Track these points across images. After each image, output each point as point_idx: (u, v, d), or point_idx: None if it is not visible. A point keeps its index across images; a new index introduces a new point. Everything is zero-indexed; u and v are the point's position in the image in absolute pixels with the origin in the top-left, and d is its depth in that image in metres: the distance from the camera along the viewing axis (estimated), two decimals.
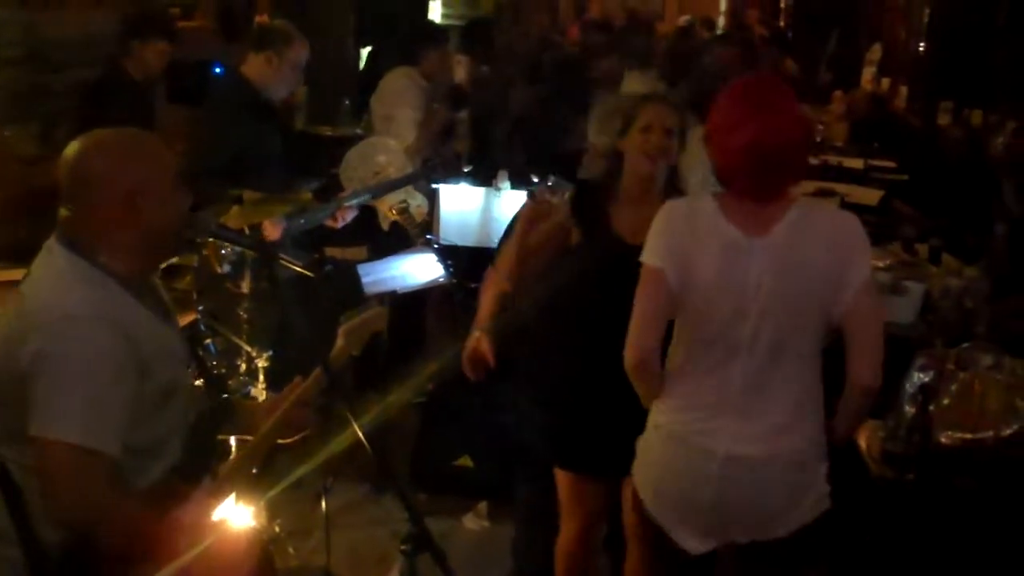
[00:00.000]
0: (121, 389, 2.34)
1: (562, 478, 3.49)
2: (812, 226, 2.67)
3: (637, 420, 2.91)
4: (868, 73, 9.68)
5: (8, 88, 4.93)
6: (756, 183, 2.67)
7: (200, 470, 2.58)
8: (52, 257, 2.45)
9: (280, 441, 2.83)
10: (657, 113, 3.26)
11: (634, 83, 4.96)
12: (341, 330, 2.83)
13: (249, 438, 2.80)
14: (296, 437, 2.91)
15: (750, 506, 2.71)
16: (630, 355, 2.77)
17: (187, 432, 2.58)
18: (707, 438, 2.71)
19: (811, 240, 2.65)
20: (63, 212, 2.46)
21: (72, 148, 2.45)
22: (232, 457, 2.87)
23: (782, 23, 10.89)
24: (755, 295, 2.65)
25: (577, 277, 3.26)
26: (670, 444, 2.81)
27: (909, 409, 3.25)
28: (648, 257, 2.75)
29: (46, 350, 2.28)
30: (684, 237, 2.73)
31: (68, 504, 2.27)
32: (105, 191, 2.41)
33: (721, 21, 11.25)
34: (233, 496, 2.94)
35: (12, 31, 4.91)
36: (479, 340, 3.80)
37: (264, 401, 2.93)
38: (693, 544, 2.79)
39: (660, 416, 2.84)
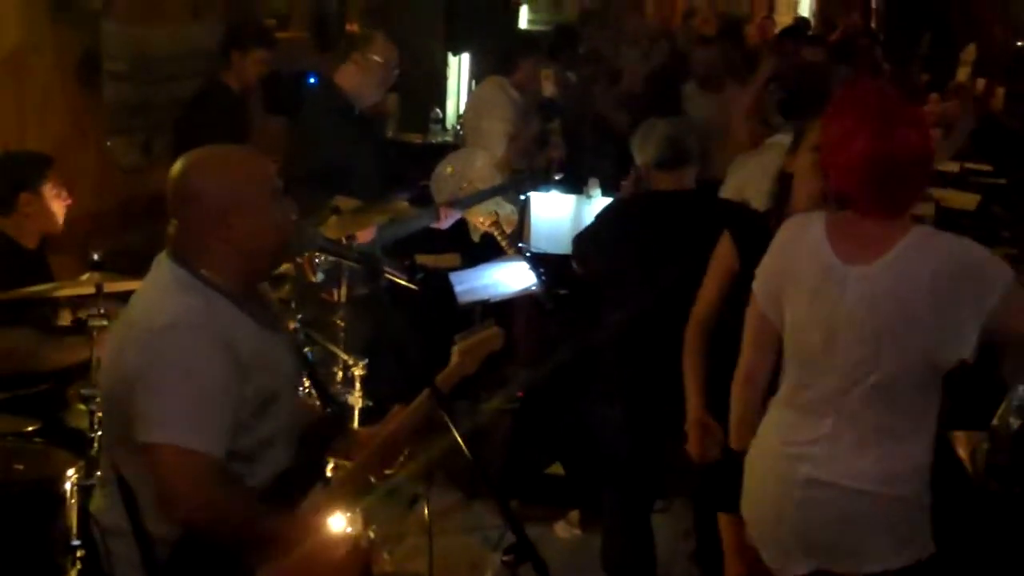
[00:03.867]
0: (220, 393, 2.38)
1: (726, 523, 3.31)
2: (925, 257, 2.52)
3: None
4: (963, 74, 9.48)
5: (112, 100, 5.05)
6: (875, 199, 2.56)
7: (310, 478, 2.61)
8: (160, 270, 2.53)
9: (373, 478, 2.86)
10: None
11: None
12: (456, 348, 2.85)
13: (346, 463, 2.82)
14: (394, 467, 2.93)
15: (833, 534, 2.64)
16: (736, 376, 2.82)
17: (296, 440, 2.62)
18: (793, 462, 2.66)
19: (919, 272, 2.51)
20: (170, 228, 2.54)
21: (176, 165, 2.52)
22: (337, 475, 2.88)
23: (873, 24, 10.71)
24: (847, 326, 2.56)
25: (737, 305, 3.07)
26: (759, 465, 2.78)
27: (1015, 421, 3.19)
28: (755, 280, 2.76)
29: (147, 358, 2.35)
30: (785, 260, 2.69)
31: (181, 506, 2.33)
32: (200, 208, 2.46)
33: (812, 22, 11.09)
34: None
35: (116, 45, 5.03)
36: None
37: (363, 431, 2.95)
38: (784, 567, 2.74)
39: (757, 437, 2.81)
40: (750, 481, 2.81)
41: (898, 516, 2.62)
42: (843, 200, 2.64)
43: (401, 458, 2.89)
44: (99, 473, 2.75)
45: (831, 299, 2.58)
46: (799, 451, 2.66)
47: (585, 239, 3.98)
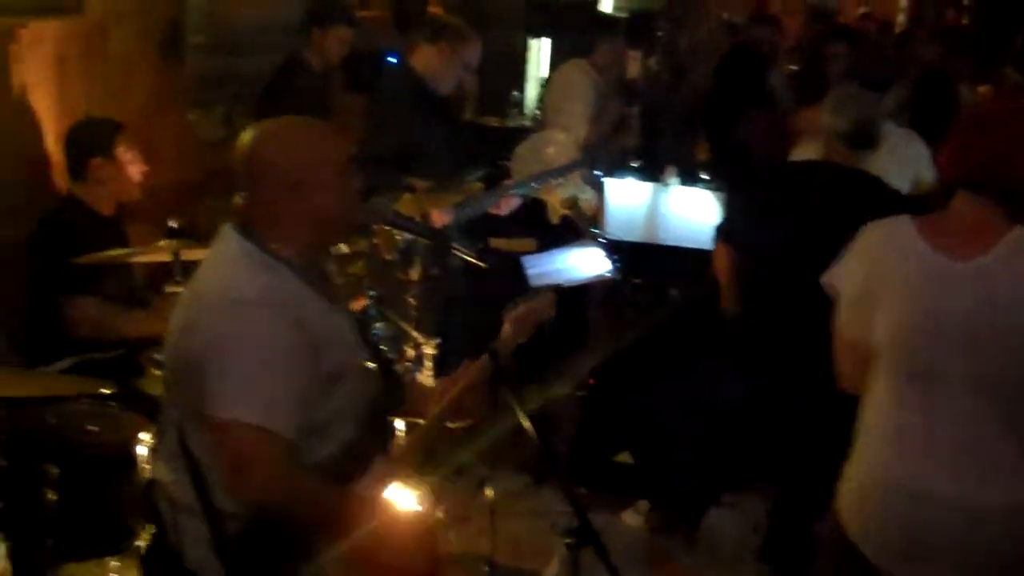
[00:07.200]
0: (293, 371, 2.36)
1: None
2: None
3: None
4: None
5: (194, 73, 5.09)
6: (974, 205, 2.48)
7: (373, 451, 2.60)
8: (226, 242, 2.50)
9: (449, 425, 2.85)
10: None
11: None
12: (508, 317, 2.82)
13: (419, 421, 2.82)
14: (464, 421, 2.92)
15: (961, 556, 2.48)
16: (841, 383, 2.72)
17: (360, 413, 2.60)
18: (913, 481, 2.51)
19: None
20: (237, 199, 2.51)
21: (245, 137, 2.50)
22: (402, 439, 2.88)
23: (965, 20, 10.45)
24: (963, 327, 2.43)
25: None
26: (870, 483, 2.61)
27: None
28: (834, 278, 2.66)
29: (219, 334, 2.33)
30: (872, 265, 2.57)
31: (250, 484, 2.30)
32: (273, 179, 2.44)
33: (900, 18, 10.87)
34: (399, 479, 2.99)
35: (199, 17, 5.07)
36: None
37: (435, 384, 2.94)
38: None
39: (862, 451, 2.64)
40: (857, 498, 2.63)
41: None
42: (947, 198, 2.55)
43: (465, 420, 2.86)
44: (162, 444, 2.73)
45: (937, 297, 2.46)
46: (911, 469, 2.51)
47: (740, 208, 3.96)
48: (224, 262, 2.48)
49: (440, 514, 4.00)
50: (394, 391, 2.81)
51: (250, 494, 2.32)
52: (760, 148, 5.45)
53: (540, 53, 8.13)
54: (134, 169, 3.93)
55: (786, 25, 7.21)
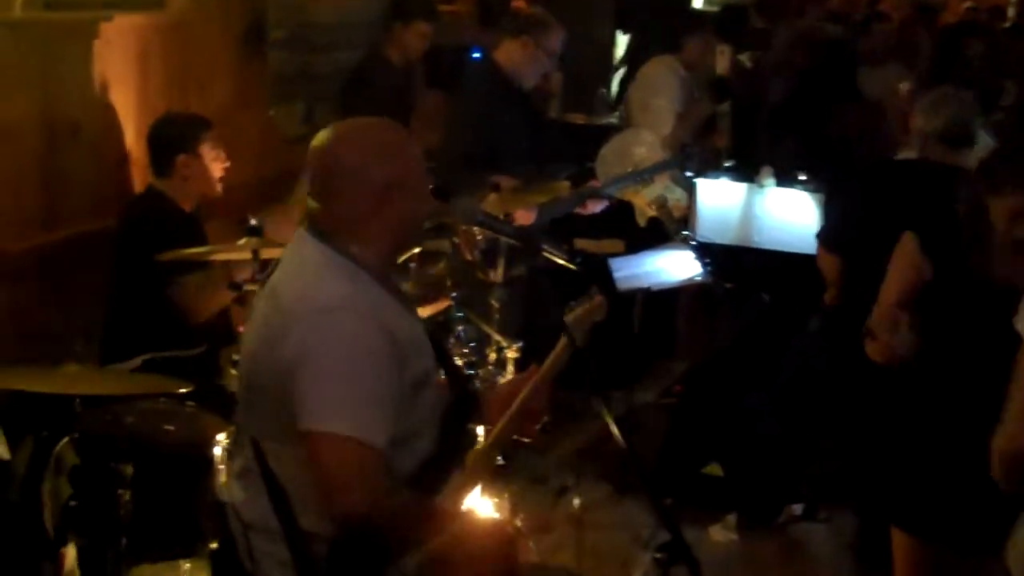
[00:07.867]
0: (384, 380, 2.29)
1: (910, 547, 3.07)
2: None
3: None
4: None
5: (275, 69, 5.08)
6: None
7: (452, 462, 2.51)
8: (304, 247, 2.43)
9: (518, 437, 2.77)
10: None
11: None
12: (566, 320, 2.70)
13: (489, 427, 2.72)
14: (535, 429, 2.80)
15: None
16: (1004, 445, 2.31)
17: (438, 424, 2.51)
18: None
19: None
20: (312, 204, 2.43)
21: (322, 140, 2.41)
22: (475, 448, 2.77)
23: None
24: None
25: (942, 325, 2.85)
26: None
27: None
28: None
29: (308, 343, 2.25)
30: None
31: (347, 498, 2.21)
32: (357, 185, 2.37)
33: (1010, 12, 10.49)
34: (479, 488, 2.90)
35: (280, 14, 5.08)
36: None
37: (500, 387, 2.83)
38: None
39: None
40: None
41: None
42: None
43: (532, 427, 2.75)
44: (233, 462, 2.66)
45: None
46: None
47: (839, 211, 3.97)
48: (304, 269, 2.40)
49: (519, 523, 3.91)
50: (468, 399, 2.71)
51: (344, 509, 2.23)
52: (860, 144, 5.25)
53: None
54: (217, 165, 3.88)
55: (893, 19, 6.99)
